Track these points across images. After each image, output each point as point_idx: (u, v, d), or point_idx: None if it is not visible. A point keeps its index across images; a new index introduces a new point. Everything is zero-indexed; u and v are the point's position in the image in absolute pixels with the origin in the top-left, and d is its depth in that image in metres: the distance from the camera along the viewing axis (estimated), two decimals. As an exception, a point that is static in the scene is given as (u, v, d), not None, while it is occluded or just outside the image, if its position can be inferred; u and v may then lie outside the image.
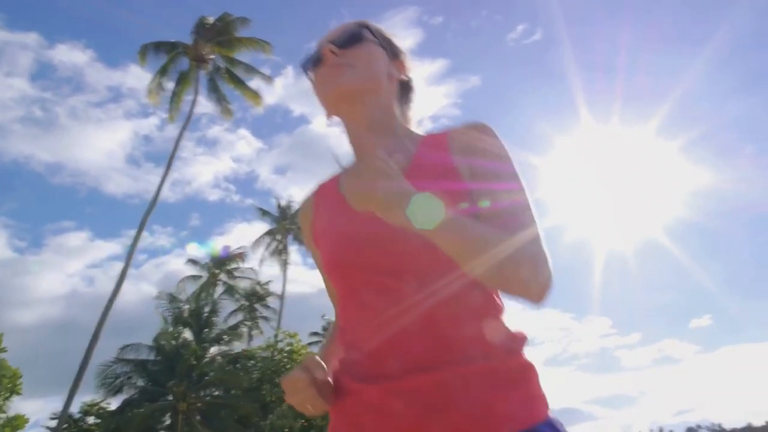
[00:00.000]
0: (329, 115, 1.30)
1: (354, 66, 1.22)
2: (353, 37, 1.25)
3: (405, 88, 1.35)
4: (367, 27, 1.29)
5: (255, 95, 23.57)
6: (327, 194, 1.30)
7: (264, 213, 33.99)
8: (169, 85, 23.36)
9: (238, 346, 24.98)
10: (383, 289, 1.07)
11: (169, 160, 22.87)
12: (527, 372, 1.06)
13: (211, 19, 23.84)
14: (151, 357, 22.80)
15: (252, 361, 22.60)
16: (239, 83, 23.59)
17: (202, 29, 23.57)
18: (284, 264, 33.53)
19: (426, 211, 0.99)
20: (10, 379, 15.91)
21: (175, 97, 23.35)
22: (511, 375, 1.04)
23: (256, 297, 31.80)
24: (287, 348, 22.26)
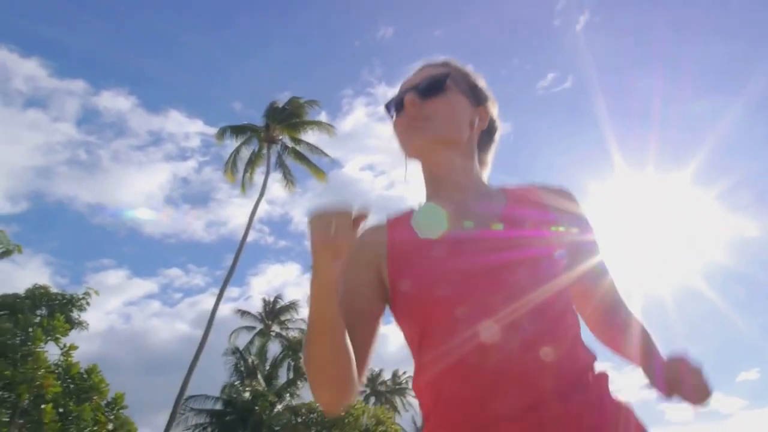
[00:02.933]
0: (409, 157, 1.28)
1: (433, 119, 1.22)
2: (435, 86, 1.24)
3: (488, 132, 1.35)
4: (450, 73, 1.27)
5: (320, 172, 26.10)
6: (405, 226, 1.23)
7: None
8: (241, 162, 26.07)
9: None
10: (484, 338, 1.04)
11: (241, 242, 25.33)
12: (629, 406, 1.09)
13: (280, 104, 26.57)
14: (218, 407, 25.03)
15: (313, 414, 24.74)
16: (305, 160, 26.15)
17: (273, 112, 26.28)
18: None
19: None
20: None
21: (247, 174, 26.01)
22: (619, 402, 1.09)
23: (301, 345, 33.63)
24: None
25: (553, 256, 1.14)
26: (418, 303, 1.12)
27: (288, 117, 26.25)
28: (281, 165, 26.40)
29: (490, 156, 1.38)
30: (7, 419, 13.93)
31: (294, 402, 25.56)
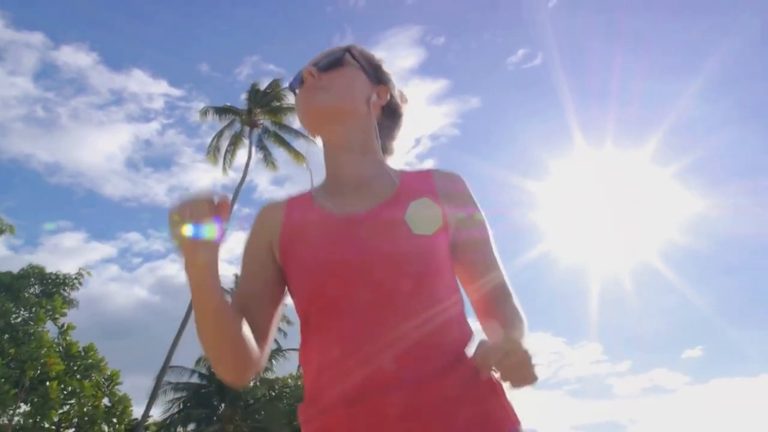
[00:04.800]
0: (311, 134, 1.33)
1: (328, 89, 1.26)
2: (334, 61, 1.29)
3: (390, 116, 1.36)
4: (351, 51, 1.32)
5: (299, 155, 26.89)
6: (300, 206, 1.27)
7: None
8: (223, 142, 26.72)
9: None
10: (369, 315, 1.07)
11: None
12: (497, 382, 1.09)
13: (262, 87, 27.22)
14: (194, 380, 25.95)
15: (287, 388, 25.94)
16: (285, 144, 26.91)
17: (255, 96, 26.92)
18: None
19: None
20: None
21: (228, 155, 26.69)
22: (486, 383, 1.08)
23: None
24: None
25: (439, 238, 1.17)
26: (303, 281, 1.15)
27: (270, 101, 26.94)
28: (262, 148, 27.12)
29: (395, 143, 1.40)
30: (13, 394, 14.70)
31: (269, 376, 26.66)
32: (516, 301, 1.21)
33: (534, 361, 0.96)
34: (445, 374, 1.05)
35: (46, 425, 15.26)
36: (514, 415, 1.10)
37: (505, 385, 0.99)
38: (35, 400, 15.23)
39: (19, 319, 16.53)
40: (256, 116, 26.84)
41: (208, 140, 26.99)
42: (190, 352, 27.41)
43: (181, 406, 25.05)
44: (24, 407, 15.42)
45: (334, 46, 1.35)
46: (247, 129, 26.96)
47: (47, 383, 15.16)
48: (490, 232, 1.27)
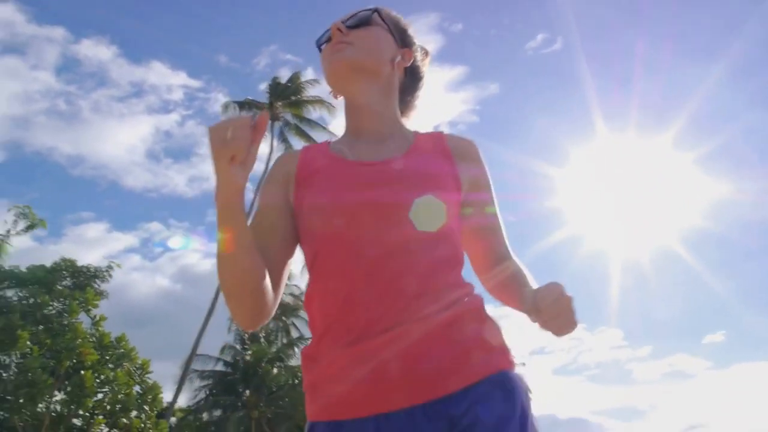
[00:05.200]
0: (334, 94, 1.35)
1: (355, 44, 1.28)
2: (362, 20, 1.31)
3: (412, 78, 1.41)
4: (379, 12, 1.34)
5: (319, 148, 27.28)
6: (317, 154, 1.30)
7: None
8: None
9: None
10: (369, 266, 1.10)
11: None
12: (489, 325, 1.15)
13: (283, 80, 27.62)
14: (219, 368, 26.62)
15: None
16: (306, 136, 27.32)
17: (275, 89, 27.33)
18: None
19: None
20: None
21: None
22: (475, 328, 1.12)
23: (292, 309, 35.61)
24: None
25: (448, 195, 1.19)
26: (313, 220, 1.17)
27: (290, 94, 27.35)
28: (284, 140, 27.57)
29: (416, 104, 1.44)
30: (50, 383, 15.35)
31: (291, 363, 27.23)
32: (516, 259, 1.28)
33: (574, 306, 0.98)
34: (442, 316, 1.09)
35: (81, 412, 15.91)
36: (508, 357, 1.14)
37: (548, 332, 0.99)
38: (70, 389, 15.86)
39: (53, 311, 17.14)
40: (277, 109, 27.26)
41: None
42: (214, 341, 28.14)
43: (208, 393, 25.74)
44: (60, 395, 16.08)
45: (362, 7, 1.36)
46: (268, 122, 27.41)
47: (82, 372, 15.77)
48: (496, 201, 1.31)
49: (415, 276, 1.11)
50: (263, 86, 28.14)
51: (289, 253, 1.24)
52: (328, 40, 1.32)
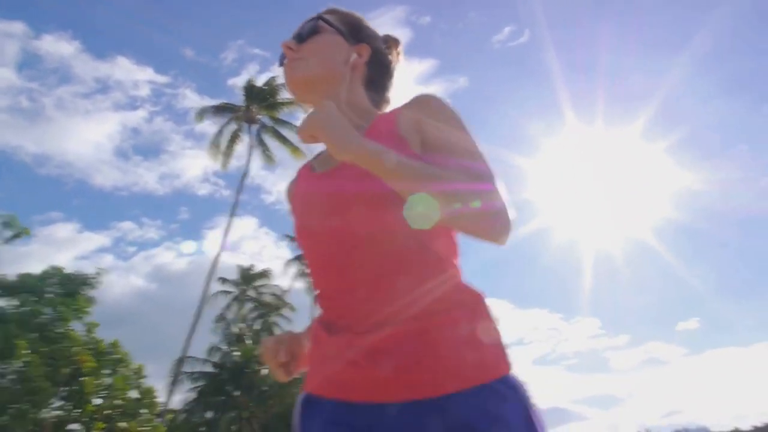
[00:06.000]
0: (300, 104, 1.39)
1: (306, 58, 1.30)
2: (309, 31, 1.33)
3: (379, 70, 1.39)
4: (323, 17, 1.35)
5: (297, 150, 27.71)
6: (303, 174, 1.35)
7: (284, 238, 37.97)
8: (222, 138, 27.57)
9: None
10: (342, 252, 1.14)
11: (229, 220, 26.97)
12: (487, 326, 1.12)
13: (259, 84, 28.03)
14: (207, 369, 26.85)
15: (300, 375, 26.64)
16: (282, 139, 27.74)
17: (251, 92, 27.70)
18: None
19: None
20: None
21: (227, 150, 27.53)
22: (472, 329, 1.09)
23: (274, 308, 35.88)
24: None
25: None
26: (297, 236, 1.27)
27: (266, 97, 27.76)
28: (261, 143, 27.97)
29: (391, 92, 1.42)
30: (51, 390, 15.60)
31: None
32: (475, 179, 1.08)
33: (311, 125, 1.05)
34: (438, 317, 1.08)
35: (83, 418, 16.20)
36: (506, 362, 1.10)
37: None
38: (68, 396, 16.13)
39: (46, 319, 17.34)
40: (254, 113, 27.65)
41: (197, 127, 27.66)
42: (196, 343, 28.28)
43: (198, 395, 25.97)
44: (60, 402, 16.33)
45: (310, 16, 1.37)
46: (245, 125, 27.79)
47: (80, 379, 16.05)
48: (469, 137, 1.17)
49: (393, 270, 1.11)
50: (237, 86, 28.38)
51: None
52: (283, 58, 1.35)
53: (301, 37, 1.33)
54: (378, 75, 1.39)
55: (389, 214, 1.10)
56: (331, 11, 1.39)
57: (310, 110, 1.21)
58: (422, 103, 1.22)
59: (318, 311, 1.25)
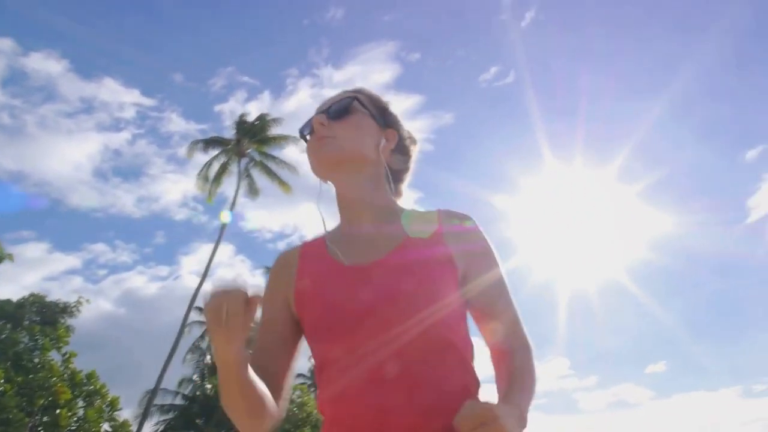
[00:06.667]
0: (322, 180, 1.35)
1: (338, 137, 1.28)
2: (342, 109, 1.31)
3: (400, 158, 1.39)
4: (358, 97, 1.34)
5: (285, 185, 27.99)
6: (314, 256, 1.30)
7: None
8: (210, 172, 27.75)
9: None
10: (369, 359, 1.10)
11: (206, 268, 27.02)
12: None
13: (250, 118, 28.41)
14: (178, 402, 26.58)
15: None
16: (271, 174, 28.00)
17: (242, 126, 28.04)
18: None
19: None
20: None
21: (215, 182, 27.70)
22: None
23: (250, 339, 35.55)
24: (297, 400, 26.26)
25: (446, 280, 1.19)
26: (317, 334, 1.19)
27: (257, 132, 28.08)
28: (247, 176, 28.18)
29: (405, 185, 1.44)
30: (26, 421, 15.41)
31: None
32: (530, 352, 1.20)
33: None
34: (447, 418, 1.03)
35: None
36: None
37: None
38: (43, 427, 15.95)
39: (23, 348, 17.20)
40: (244, 146, 27.93)
41: (179, 151, 27.46)
42: (169, 374, 27.95)
43: (166, 428, 25.66)
44: (33, 434, 16.10)
45: (344, 90, 1.39)
46: (235, 158, 28.00)
47: (56, 411, 15.90)
48: (503, 272, 1.27)
49: (421, 386, 1.10)
50: (224, 111, 28.57)
51: (292, 367, 1.27)
52: (312, 131, 1.33)
53: (333, 114, 1.32)
54: (399, 163, 1.40)
55: (427, 313, 1.13)
56: (362, 91, 1.39)
57: (324, 186, 1.35)
58: (470, 234, 1.29)
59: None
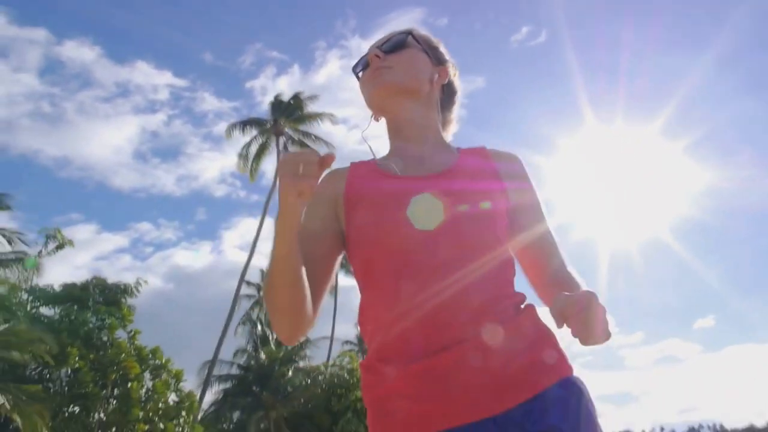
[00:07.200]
0: (375, 116, 1.39)
1: (395, 68, 1.33)
2: (397, 43, 1.36)
3: (448, 94, 1.45)
4: (412, 34, 1.39)
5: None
6: (365, 170, 1.34)
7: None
8: (250, 151, 28.77)
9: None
10: (423, 280, 1.13)
11: (254, 242, 28.10)
12: (551, 333, 1.18)
13: (285, 98, 29.23)
14: (234, 372, 28.01)
15: (321, 376, 27.81)
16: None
17: (278, 107, 28.91)
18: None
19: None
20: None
21: (254, 163, 28.76)
22: (539, 335, 1.16)
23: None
24: (348, 366, 27.39)
25: (497, 210, 1.23)
26: (366, 237, 1.21)
27: (293, 111, 28.96)
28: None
29: (453, 116, 1.48)
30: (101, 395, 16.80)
31: (302, 364, 28.61)
32: (571, 270, 1.26)
33: (608, 318, 0.95)
34: (498, 328, 1.10)
35: (129, 421, 17.39)
36: (568, 363, 1.16)
37: (575, 340, 0.94)
38: (115, 402, 17.35)
39: (90, 327, 18.56)
40: (281, 126, 28.84)
41: (215, 129, 28.32)
42: (226, 347, 29.41)
43: (225, 395, 27.12)
44: (109, 406, 17.54)
45: (394, 30, 1.41)
46: (273, 138, 28.98)
47: (128, 384, 17.24)
48: (543, 206, 1.34)
49: (471, 290, 1.13)
50: (255, 88, 29.48)
51: (332, 272, 1.27)
52: (366, 66, 1.39)
53: (388, 49, 1.37)
54: (448, 98, 1.46)
55: (489, 230, 1.21)
56: (413, 29, 1.43)
57: (374, 121, 1.41)
58: (513, 161, 1.37)
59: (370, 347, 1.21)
